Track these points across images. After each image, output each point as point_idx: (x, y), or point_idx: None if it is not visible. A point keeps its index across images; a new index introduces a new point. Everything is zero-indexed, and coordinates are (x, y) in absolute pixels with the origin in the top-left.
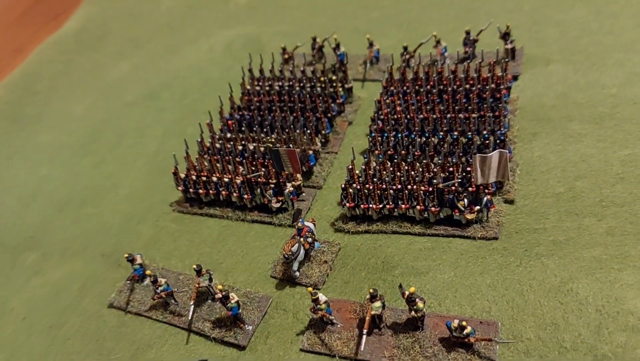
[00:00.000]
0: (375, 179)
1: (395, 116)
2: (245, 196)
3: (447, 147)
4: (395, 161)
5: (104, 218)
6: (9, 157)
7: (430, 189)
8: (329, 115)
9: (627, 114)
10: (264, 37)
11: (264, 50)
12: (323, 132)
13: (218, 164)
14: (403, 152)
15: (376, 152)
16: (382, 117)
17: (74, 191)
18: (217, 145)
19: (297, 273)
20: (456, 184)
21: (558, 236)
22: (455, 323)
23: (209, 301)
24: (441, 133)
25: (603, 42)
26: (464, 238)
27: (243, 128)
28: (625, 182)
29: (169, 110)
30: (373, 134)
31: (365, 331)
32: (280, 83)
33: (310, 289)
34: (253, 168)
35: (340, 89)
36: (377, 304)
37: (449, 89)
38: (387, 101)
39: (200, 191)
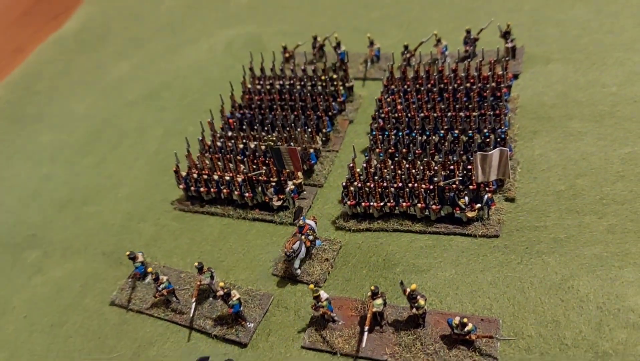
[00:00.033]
0: (376, 177)
1: (396, 115)
2: (247, 194)
3: (448, 145)
4: (396, 159)
5: (105, 216)
6: (10, 156)
7: (431, 187)
8: (330, 113)
9: (627, 113)
10: (264, 37)
11: (265, 49)
12: (324, 130)
13: (219, 163)
14: (404, 150)
15: (377, 150)
16: (382, 115)
17: (75, 190)
18: (218, 143)
19: (299, 271)
20: (457, 182)
21: (559, 234)
22: (457, 320)
23: (211, 298)
24: (442, 131)
25: (603, 41)
26: (465, 236)
27: (244, 127)
28: (626, 180)
29: (170, 109)
30: (374, 133)
31: (366, 328)
32: (281, 82)
33: (311, 286)
34: (254, 167)
35: (341, 87)
36: (379, 301)
37: (450, 87)
38: (388, 99)
39: (202, 189)
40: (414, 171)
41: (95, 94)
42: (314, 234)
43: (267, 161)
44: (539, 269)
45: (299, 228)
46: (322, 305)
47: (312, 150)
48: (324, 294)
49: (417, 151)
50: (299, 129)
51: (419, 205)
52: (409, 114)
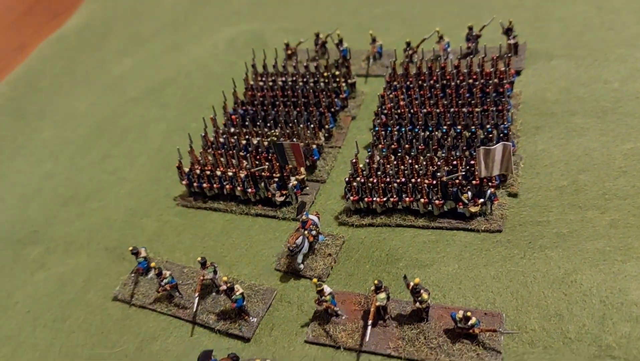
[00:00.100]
0: (379, 173)
1: (399, 111)
2: (249, 190)
3: (451, 141)
4: (399, 154)
5: (108, 212)
6: (13, 153)
7: (434, 182)
8: (332, 110)
9: (629, 109)
10: (267, 34)
11: (267, 46)
12: (326, 126)
13: (222, 159)
14: (407, 146)
15: (380, 146)
16: (385, 111)
17: (78, 186)
18: (221, 139)
19: (302, 266)
20: (460, 177)
21: (561, 229)
22: (460, 314)
23: (214, 293)
24: (444, 127)
25: (605, 37)
26: (468, 231)
27: (247, 123)
28: (628, 175)
29: (173, 105)
30: (377, 128)
31: (370, 322)
32: (283, 78)
33: (315, 280)
34: (257, 162)
35: (344, 84)
36: (382, 295)
37: (452, 83)
38: (391, 95)
39: (204, 185)
40: (416, 166)
41: (97, 91)
42: (317, 229)
43: (270, 157)
44: (542, 263)
45: (302, 223)
46: (326, 299)
47: (314, 146)
48: (327, 289)
49: (419, 147)
50: (301, 125)
51: (422, 200)
52: (412, 110)
